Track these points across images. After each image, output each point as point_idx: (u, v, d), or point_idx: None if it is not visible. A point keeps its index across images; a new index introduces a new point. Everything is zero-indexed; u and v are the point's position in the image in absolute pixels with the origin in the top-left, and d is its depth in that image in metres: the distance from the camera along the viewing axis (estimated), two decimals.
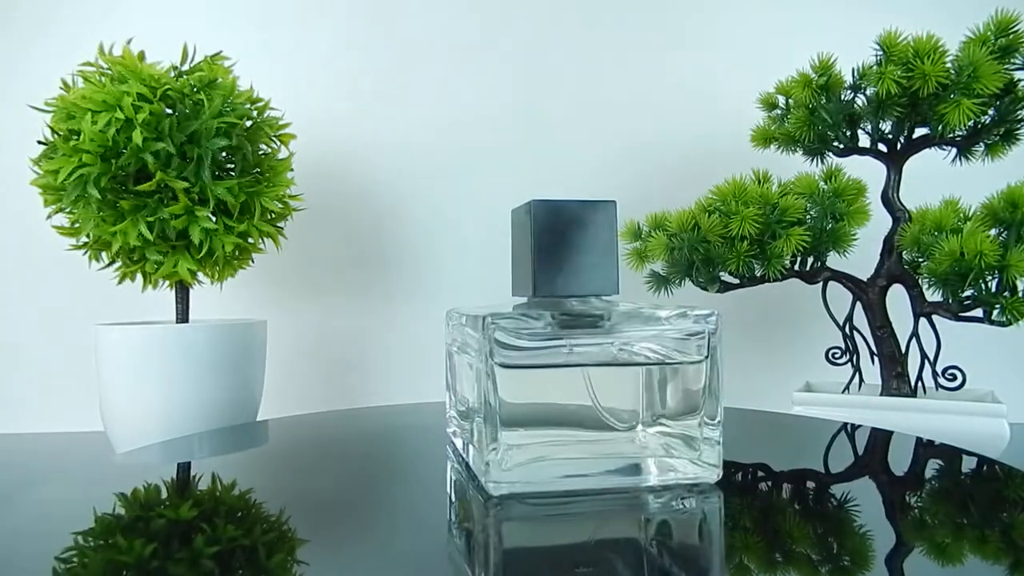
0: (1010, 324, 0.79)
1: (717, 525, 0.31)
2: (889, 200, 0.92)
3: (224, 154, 0.99)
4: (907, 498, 0.37)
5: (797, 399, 0.91)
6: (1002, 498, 0.36)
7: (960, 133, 0.87)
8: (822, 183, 0.92)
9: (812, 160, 0.97)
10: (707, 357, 0.35)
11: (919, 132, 0.90)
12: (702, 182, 1.00)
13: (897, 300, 0.92)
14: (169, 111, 0.94)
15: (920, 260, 0.86)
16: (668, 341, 0.35)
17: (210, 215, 0.95)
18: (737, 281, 0.95)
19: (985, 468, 0.41)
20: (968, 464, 0.43)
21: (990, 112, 0.85)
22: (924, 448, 0.47)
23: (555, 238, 0.37)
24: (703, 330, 0.35)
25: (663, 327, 0.35)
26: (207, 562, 0.27)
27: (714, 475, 0.35)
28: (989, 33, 0.82)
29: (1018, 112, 0.84)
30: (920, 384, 0.91)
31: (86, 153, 0.89)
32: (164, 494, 0.37)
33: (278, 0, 1.38)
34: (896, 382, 0.91)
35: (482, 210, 1.31)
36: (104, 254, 0.99)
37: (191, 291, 1.07)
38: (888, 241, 0.92)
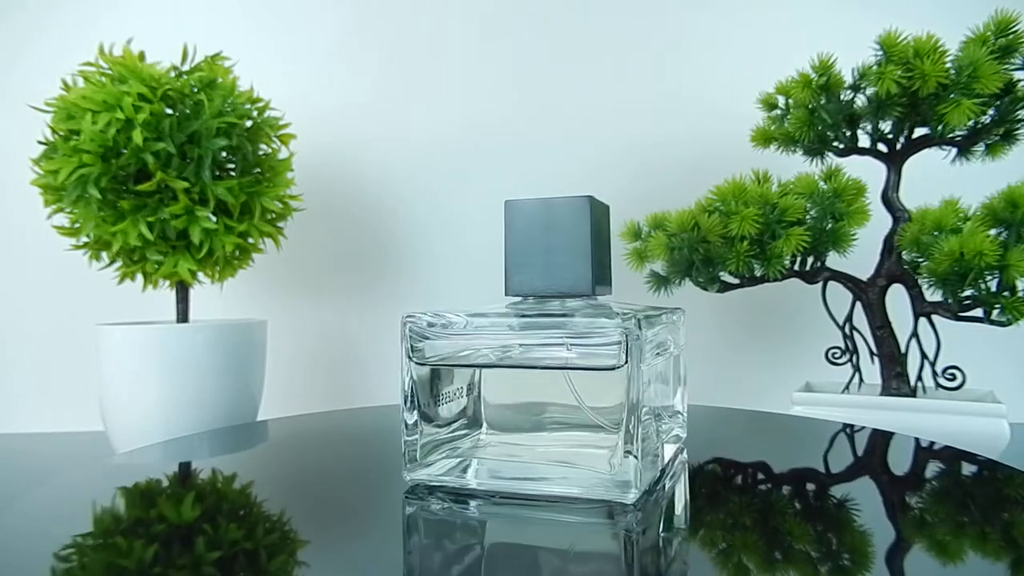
0: (1010, 324, 0.79)
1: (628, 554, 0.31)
2: (889, 200, 0.92)
3: (224, 154, 0.99)
4: (907, 498, 0.37)
5: (797, 399, 0.91)
6: (1002, 498, 0.36)
7: (960, 133, 0.87)
8: (822, 183, 0.92)
9: (812, 160, 0.97)
10: (626, 363, 0.31)
11: (919, 132, 0.90)
12: (702, 182, 1.00)
13: (897, 300, 0.92)
14: (169, 111, 0.94)
15: (920, 260, 0.86)
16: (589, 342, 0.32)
17: (210, 215, 0.95)
18: (737, 281, 0.95)
19: (985, 470, 0.41)
20: (968, 465, 0.43)
21: (990, 112, 0.85)
22: (924, 449, 0.47)
23: (528, 238, 0.37)
24: (623, 335, 0.31)
25: (576, 331, 0.32)
26: (207, 563, 0.27)
27: (629, 495, 0.31)
28: (989, 33, 0.82)
29: (1018, 112, 0.84)
30: (920, 384, 0.91)
31: (86, 153, 0.89)
32: (164, 495, 0.37)
33: (278, 1, 1.38)
34: (896, 382, 0.91)
35: (482, 210, 1.31)
36: (104, 254, 0.99)
37: (191, 291, 1.07)
38: (888, 241, 0.92)
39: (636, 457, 0.31)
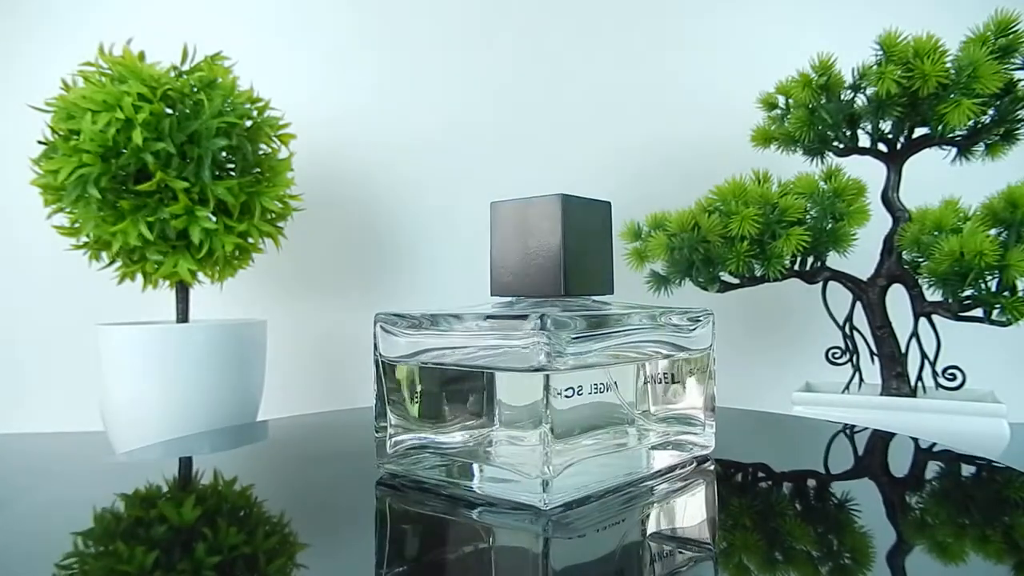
0: (1010, 324, 0.79)
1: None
2: (889, 200, 0.92)
3: (224, 154, 0.99)
4: (907, 499, 0.37)
5: (797, 399, 0.91)
6: (1003, 500, 0.36)
7: (960, 133, 0.87)
8: (822, 183, 0.92)
9: (812, 160, 0.97)
10: (538, 370, 0.30)
11: (919, 132, 0.90)
12: (702, 182, 1.00)
13: (897, 300, 0.92)
14: (169, 111, 0.94)
15: (920, 260, 0.86)
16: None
17: (210, 215, 0.95)
18: (737, 281, 0.95)
19: (984, 472, 0.41)
20: (968, 466, 0.43)
21: (990, 112, 0.85)
22: (924, 450, 0.47)
23: (508, 239, 0.37)
24: (531, 342, 0.30)
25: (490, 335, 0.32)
26: (206, 567, 0.27)
27: (537, 499, 0.31)
28: (989, 33, 0.82)
29: (1018, 112, 0.84)
30: (920, 384, 0.91)
31: (86, 153, 0.89)
32: (164, 496, 0.37)
33: (278, 1, 1.38)
34: (896, 382, 0.91)
35: (482, 211, 1.31)
36: (104, 254, 0.99)
37: (191, 291, 1.07)
38: (888, 241, 0.92)
39: (541, 465, 0.31)
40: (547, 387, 0.30)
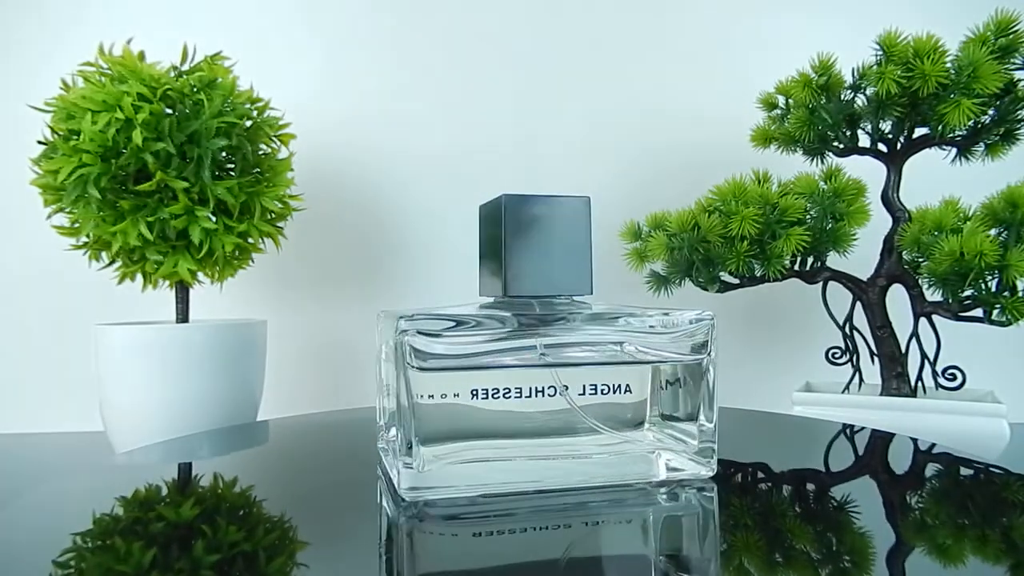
0: (1010, 324, 0.79)
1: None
2: (889, 200, 0.92)
3: (224, 154, 0.99)
4: (907, 499, 0.37)
5: (797, 399, 0.91)
6: (1002, 501, 0.36)
7: (960, 133, 0.87)
8: (822, 183, 0.92)
9: (812, 160, 0.97)
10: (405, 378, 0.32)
11: (919, 132, 0.90)
12: (702, 182, 1.00)
13: (897, 300, 0.92)
14: (169, 111, 0.94)
15: (920, 260, 0.86)
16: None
17: (210, 215, 0.95)
18: (737, 281, 0.95)
19: (982, 474, 0.41)
20: (968, 466, 0.43)
21: (990, 112, 0.85)
22: (924, 450, 0.47)
23: (484, 240, 0.39)
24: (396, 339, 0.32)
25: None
26: (205, 566, 0.27)
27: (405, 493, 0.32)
28: (989, 33, 0.82)
29: (1018, 112, 0.84)
30: (920, 384, 0.91)
31: (86, 153, 0.89)
32: (164, 495, 0.37)
33: (278, 1, 1.38)
34: (896, 382, 0.91)
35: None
36: (104, 254, 0.99)
37: (191, 291, 1.07)
38: (888, 241, 0.92)
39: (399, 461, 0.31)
40: (408, 387, 0.31)
